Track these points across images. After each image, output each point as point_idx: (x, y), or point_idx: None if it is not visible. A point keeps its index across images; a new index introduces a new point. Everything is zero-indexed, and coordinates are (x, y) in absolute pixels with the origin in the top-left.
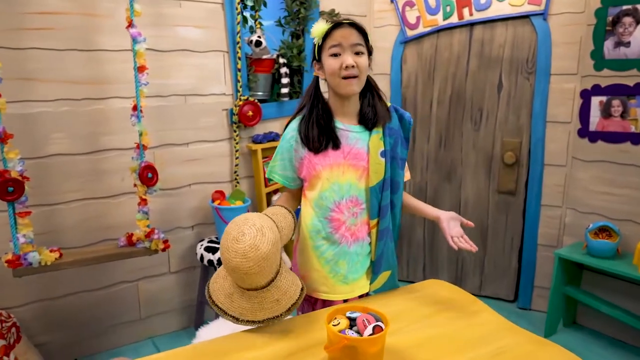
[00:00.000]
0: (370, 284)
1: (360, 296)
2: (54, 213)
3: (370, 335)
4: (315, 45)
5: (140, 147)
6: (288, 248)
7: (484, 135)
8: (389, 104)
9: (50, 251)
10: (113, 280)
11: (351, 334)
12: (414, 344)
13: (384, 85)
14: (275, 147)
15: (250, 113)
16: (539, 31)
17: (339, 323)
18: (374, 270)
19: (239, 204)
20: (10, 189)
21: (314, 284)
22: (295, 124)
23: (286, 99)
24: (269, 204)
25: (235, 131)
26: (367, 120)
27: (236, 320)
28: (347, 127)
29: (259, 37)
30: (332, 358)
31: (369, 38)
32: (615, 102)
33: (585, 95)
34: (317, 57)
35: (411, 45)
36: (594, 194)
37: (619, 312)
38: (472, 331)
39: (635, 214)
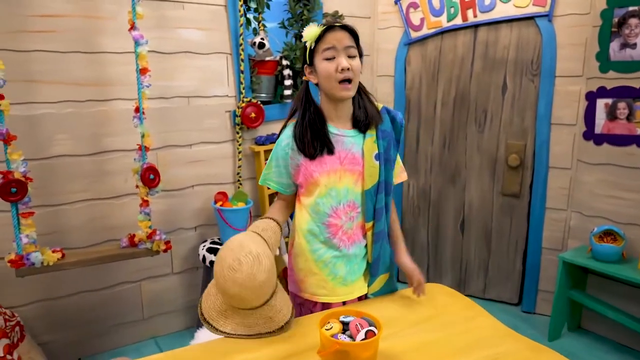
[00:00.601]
0: (369, 286)
1: (359, 298)
2: (58, 213)
3: (362, 340)
4: (307, 48)
5: (143, 149)
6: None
7: (489, 138)
8: (380, 106)
9: (53, 251)
10: (116, 280)
11: (343, 338)
12: (409, 349)
13: (387, 87)
14: None
15: (253, 115)
16: (544, 33)
17: (332, 327)
18: (371, 272)
19: (241, 205)
20: (14, 189)
21: (312, 287)
22: (289, 130)
23: (289, 100)
24: (271, 204)
25: (238, 133)
26: (360, 123)
27: (228, 335)
28: (342, 132)
29: (262, 39)
30: None
31: (375, 39)
32: (621, 105)
33: (591, 97)
34: (308, 61)
35: (415, 46)
36: (599, 197)
37: (624, 317)
38: (469, 336)
39: None
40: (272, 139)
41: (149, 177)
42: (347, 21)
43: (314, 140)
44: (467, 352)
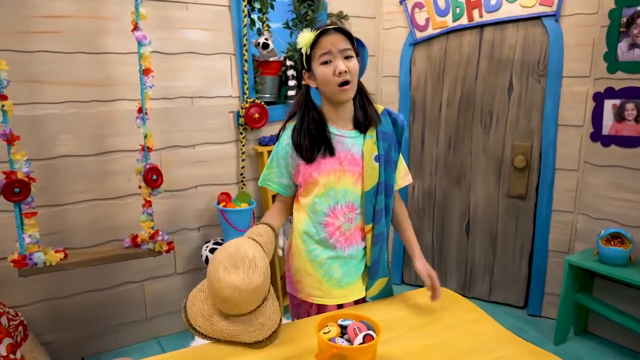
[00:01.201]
0: (367, 290)
1: (356, 302)
2: (62, 213)
3: (360, 344)
4: (303, 55)
5: (145, 149)
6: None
7: (494, 139)
8: (381, 108)
9: (56, 251)
10: (119, 280)
11: (341, 342)
12: (408, 353)
13: (392, 88)
14: None
15: (257, 115)
16: (551, 33)
17: (330, 331)
18: (370, 275)
19: (244, 206)
20: (17, 190)
21: (308, 288)
22: (289, 131)
23: (293, 101)
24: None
25: (241, 133)
26: (360, 124)
27: (216, 341)
28: (343, 133)
29: (266, 39)
30: None
31: (380, 39)
32: (629, 106)
33: (598, 98)
34: (306, 67)
35: (420, 47)
36: (606, 199)
37: (632, 321)
38: (470, 340)
39: None
40: (275, 139)
41: (152, 178)
42: (352, 21)
43: (313, 145)
44: (468, 357)
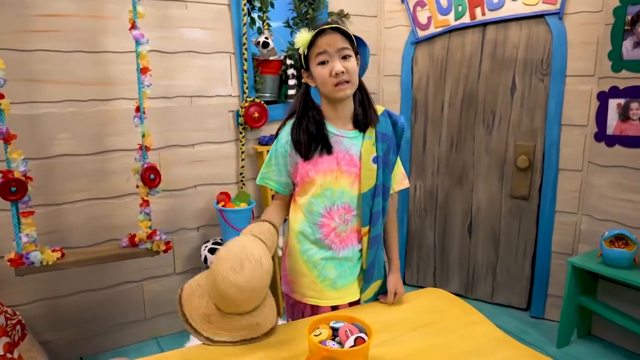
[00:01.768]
0: (362, 292)
1: (351, 304)
2: (60, 213)
3: (351, 347)
4: (301, 55)
5: (143, 149)
6: None
7: (497, 139)
8: (382, 109)
9: (52, 251)
10: (118, 280)
11: (332, 345)
12: (402, 356)
13: (394, 87)
14: None
15: (256, 115)
16: (554, 31)
17: (321, 333)
18: (365, 278)
19: (243, 206)
20: (13, 189)
21: (302, 289)
22: (289, 128)
23: (293, 100)
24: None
25: (241, 133)
26: (360, 123)
27: (210, 340)
28: (342, 133)
29: (266, 38)
30: None
31: (382, 38)
32: (634, 105)
33: (603, 97)
34: (304, 66)
35: (422, 46)
36: (610, 200)
37: (636, 324)
38: (466, 343)
39: None
40: (275, 138)
41: (149, 177)
42: (353, 20)
43: (311, 142)
44: None
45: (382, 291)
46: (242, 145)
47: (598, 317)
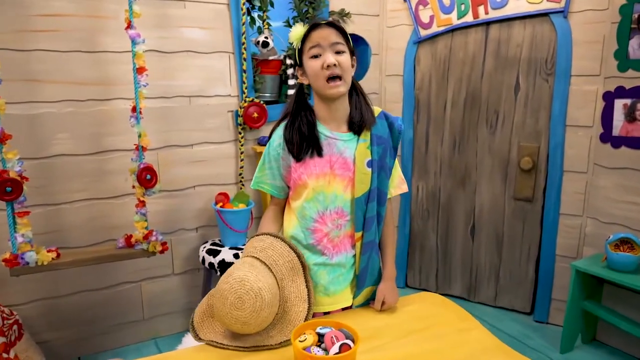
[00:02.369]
0: (354, 298)
1: (344, 309)
2: (59, 213)
3: (336, 354)
4: (295, 50)
5: (140, 149)
6: None
7: (500, 139)
8: (378, 110)
9: (48, 251)
10: (117, 280)
11: (317, 351)
12: None
13: (396, 87)
14: None
15: (256, 115)
16: (559, 30)
17: (306, 339)
18: (357, 284)
19: (242, 206)
20: (9, 189)
21: None
22: (281, 130)
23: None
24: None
25: (240, 133)
26: (355, 125)
27: (223, 345)
28: (335, 135)
29: (265, 37)
30: None
31: (384, 37)
32: None
33: (608, 97)
34: (298, 62)
35: (425, 45)
36: (616, 203)
37: None
38: (459, 351)
39: None
40: None
41: (146, 178)
42: (355, 19)
43: (303, 142)
44: None
45: (375, 297)
46: (242, 145)
47: (603, 323)
